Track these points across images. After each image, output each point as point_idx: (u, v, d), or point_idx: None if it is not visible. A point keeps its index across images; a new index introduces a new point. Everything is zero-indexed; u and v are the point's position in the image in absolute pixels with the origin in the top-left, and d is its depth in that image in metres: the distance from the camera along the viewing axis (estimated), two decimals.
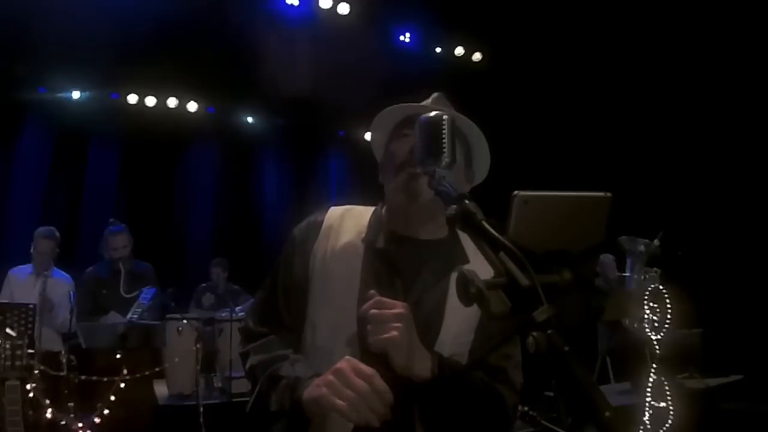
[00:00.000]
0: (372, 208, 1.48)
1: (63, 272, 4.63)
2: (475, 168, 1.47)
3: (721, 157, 5.52)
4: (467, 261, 1.36)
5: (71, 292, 4.43)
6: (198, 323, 5.13)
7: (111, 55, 5.73)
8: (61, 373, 3.64)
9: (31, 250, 4.52)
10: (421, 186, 1.29)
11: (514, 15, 6.02)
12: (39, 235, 4.52)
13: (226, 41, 5.89)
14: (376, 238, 1.39)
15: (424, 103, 1.47)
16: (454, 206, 1.01)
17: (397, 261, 1.37)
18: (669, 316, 3.48)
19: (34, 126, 6.61)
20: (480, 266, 0.94)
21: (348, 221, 1.43)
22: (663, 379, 3.44)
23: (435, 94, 1.50)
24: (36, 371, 3.48)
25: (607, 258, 5.30)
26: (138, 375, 4.00)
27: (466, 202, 1.01)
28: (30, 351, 2.57)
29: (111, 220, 4.75)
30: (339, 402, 1.13)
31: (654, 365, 3.48)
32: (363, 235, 1.40)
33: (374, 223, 1.43)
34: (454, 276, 1.32)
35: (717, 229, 5.44)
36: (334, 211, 1.46)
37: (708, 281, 4.94)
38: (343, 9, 6.30)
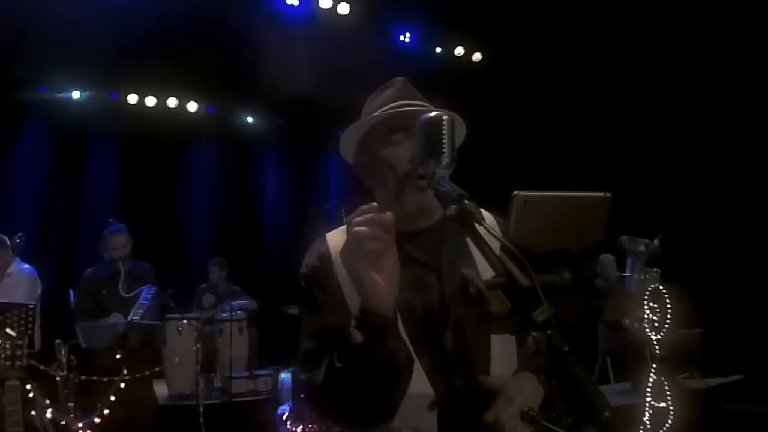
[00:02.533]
0: None
1: (27, 266, 4.54)
2: None
3: (720, 157, 5.51)
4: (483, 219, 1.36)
5: (71, 292, 4.42)
6: (198, 323, 5.14)
7: (111, 55, 5.72)
8: (61, 373, 3.64)
9: None
10: (430, 198, 1.25)
11: (514, 15, 6.01)
12: None
13: (226, 41, 5.89)
14: None
15: (387, 89, 1.43)
16: (454, 206, 1.02)
17: (419, 257, 1.36)
18: (669, 316, 3.49)
19: (34, 126, 6.62)
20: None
21: None
22: (663, 379, 3.45)
23: (398, 81, 1.45)
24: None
25: (607, 258, 5.31)
26: (138, 375, 4.00)
27: (466, 202, 1.01)
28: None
29: (110, 220, 4.74)
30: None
31: (654, 365, 3.48)
32: None
33: None
34: (470, 245, 1.32)
35: (716, 229, 5.44)
36: (333, 237, 1.41)
37: (708, 281, 4.94)
38: (343, 9, 6.30)
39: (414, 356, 1.28)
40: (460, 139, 1.44)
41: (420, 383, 1.28)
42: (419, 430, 1.27)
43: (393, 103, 1.39)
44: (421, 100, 1.41)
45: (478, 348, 1.32)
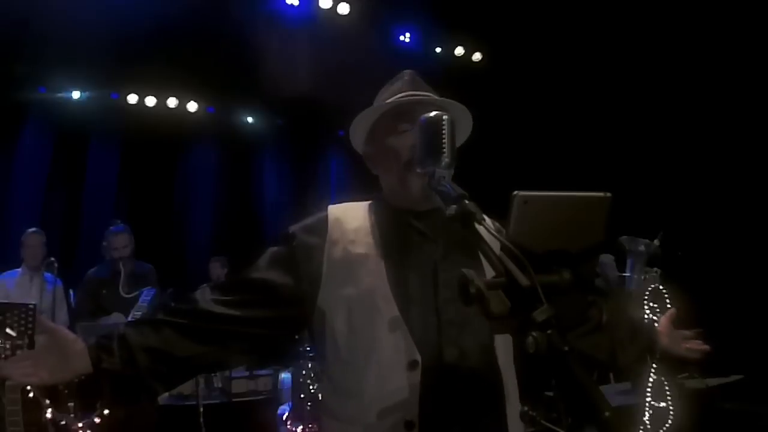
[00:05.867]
0: (370, 202, 1.50)
1: (48, 274, 4.53)
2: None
3: (720, 157, 5.51)
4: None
5: (71, 292, 4.41)
6: None
7: (111, 55, 5.72)
8: None
9: (22, 250, 4.59)
10: None
11: (514, 15, 6.01)
12: (27, 232, 4.67)
13: (226, 41, 5.88)
14: (388, 217, 1.42)
15: (396, 82, 1.48)
16: (454, 206, 1.02)
17: (424, 231, 1.40)
18: None
19: (34, 126, 6.61)
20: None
21: (352, 212, 1.46)
22: (663, 379, 3.44)
23: (406, 74, 1.49)
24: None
25: (607, 258, 5.28)
26: None
27: (466, 202, 1.01)
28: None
29: (113, 220, 4.75)
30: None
31: (654, 365, 3.47)
32: (374, 218, 1.43)
33: (381, 207, 1.46)
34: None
35: (717, 229, 5.44)
36: (335, 207, 1.48)
37: (708, 281, 4.93)
38: (343, 9, 6.29)
39: (402, 320, 1.30)
40: (467, 132, 1.49)
41: (403, 349, 1.30)
42: (398, 394, 1.28)
43: (400, 94, 1.43)
44: (428, 91, 1.45)
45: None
